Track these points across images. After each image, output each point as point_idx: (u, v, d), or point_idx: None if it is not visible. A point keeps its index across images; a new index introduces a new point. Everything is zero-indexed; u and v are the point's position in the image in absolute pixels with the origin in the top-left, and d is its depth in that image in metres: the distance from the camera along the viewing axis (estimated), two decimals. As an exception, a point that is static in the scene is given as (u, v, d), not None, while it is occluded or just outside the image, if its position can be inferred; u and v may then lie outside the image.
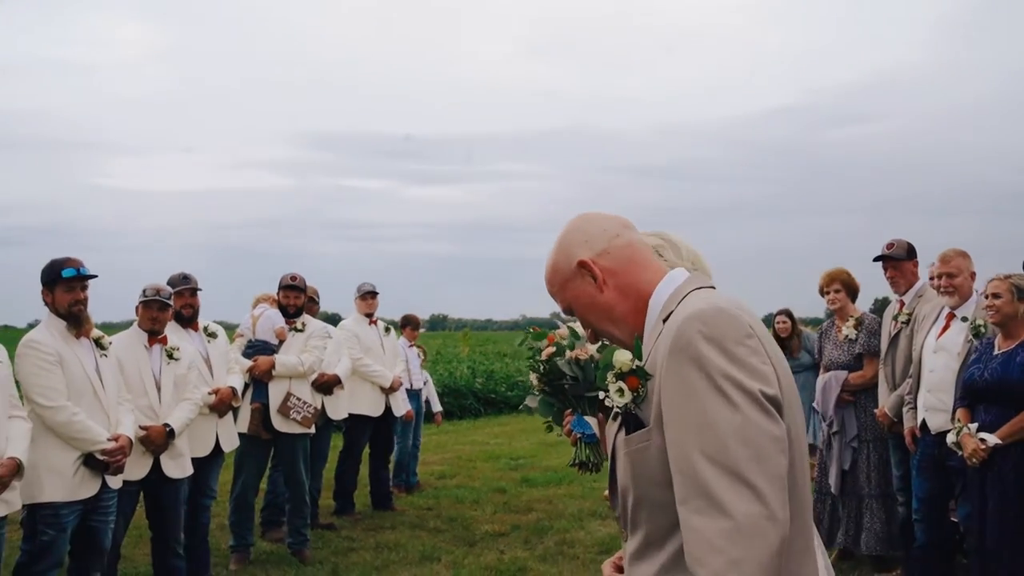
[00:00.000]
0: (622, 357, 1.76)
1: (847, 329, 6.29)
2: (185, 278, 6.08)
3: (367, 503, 8.45)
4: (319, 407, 7.19)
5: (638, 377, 1.73)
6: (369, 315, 8.44)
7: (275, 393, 6.77)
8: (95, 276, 4.85)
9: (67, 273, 4.75)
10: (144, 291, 5.53)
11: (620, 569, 1.96)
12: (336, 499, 8.23)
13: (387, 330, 8.72)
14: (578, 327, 2.35)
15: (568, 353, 2.40)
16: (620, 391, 1.75)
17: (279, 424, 6.74)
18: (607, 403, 1.77)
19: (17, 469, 4.29)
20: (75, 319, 4.79)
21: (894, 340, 5.89)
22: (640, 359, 1.76)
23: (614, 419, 1.83)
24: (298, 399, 6.80)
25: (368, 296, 8.43)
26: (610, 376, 1.76)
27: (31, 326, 5.17)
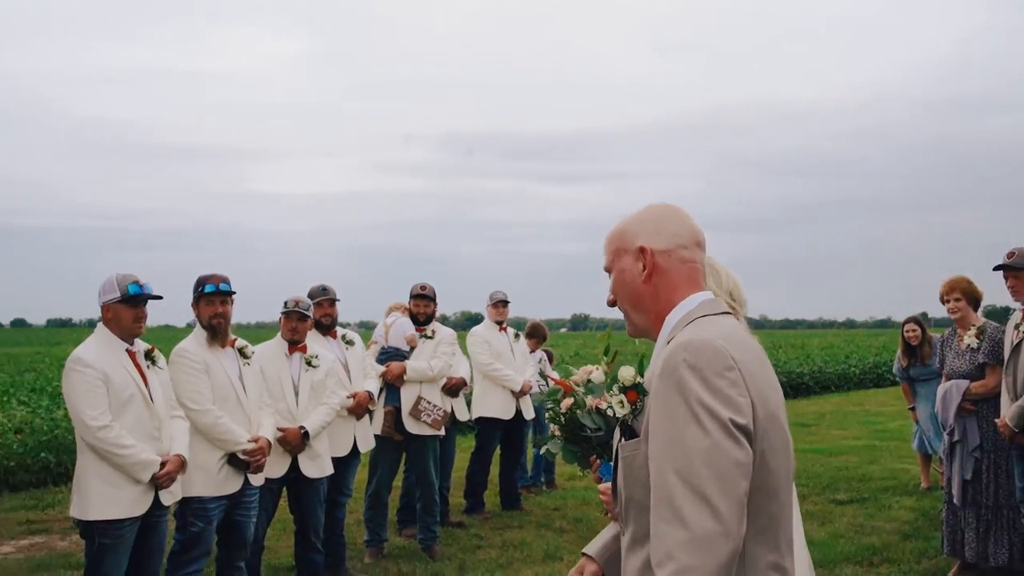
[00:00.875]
0: (626, 373, 1.97)
1: (968, 338, 6.20)
2: (324, 289, 6.52)
3: (496, 503, 8.80)
4: (449, 410, 7.56)
5: (637, 392, 1.95)
6: (500, 322, 8.78)
7: (407, 397, 7.17)
8: (234, 292, 5.31)
9: (208, 289, 5.23)
10: (285, 303, 5.99)
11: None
12: (466, 498, 8.60)
13: (516, 336, 9.03)
14: (593, 376, 2.48)
15: (588, 402, 2.50)
16: (621, 403, 1.97)
17: (411, 426, 7.14)
18: (609, 412, 2.00)
19: (182, 464, 4.79)
20: (215, 331, 5.24)
21: (1016, 349, 5.78)
22: (642, 376, 1.96)
23: (617, 426, 2.04)
24: (428, 402, 7.18)
25: (500, 304, 8.77)
26: (614, 388, 1.97)
27: (190, 326, 5.65)
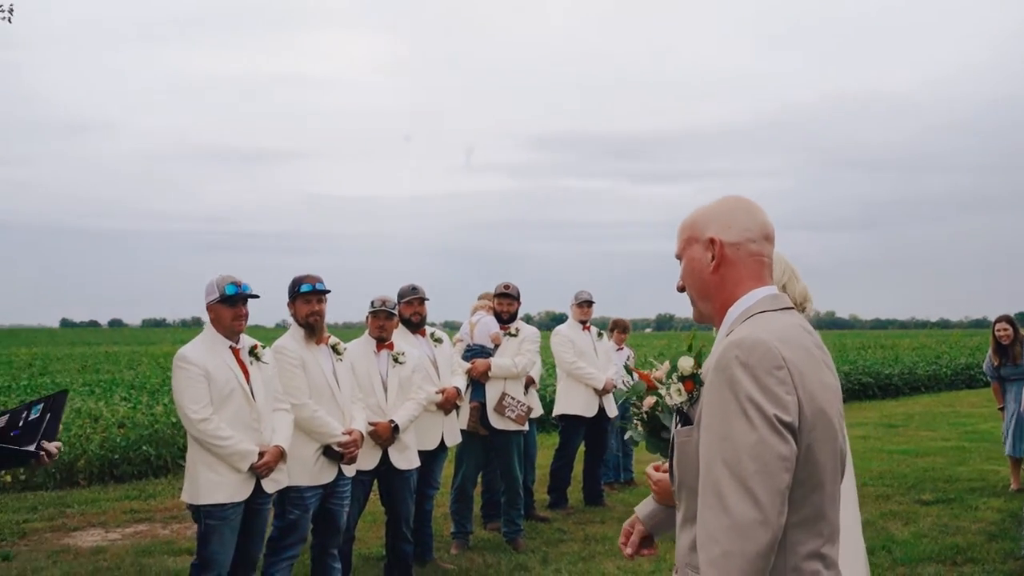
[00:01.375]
0: (684, 363, 2.08)
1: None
2: (414, 289, 6.74)
3: (579, 499, 8.94)
4: (532, 406, 7.73)
5: (694, 382, 2.06)
6: (583, 321, 8.92)
7: (491, 393, 7.36)
8: (328, 291, 5.55)
9: (305, 288, 5.48)
10: (372, 303, 6.22)
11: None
12: (550, 493, 8.78)
13: (599, 335, 9.15)
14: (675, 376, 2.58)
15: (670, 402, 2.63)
16: (678, 391, 2.08)
17: (495, 421, 7.33)
18: (667, 400, 2.11)
19: (281, 455, 5.05)
20: (311, 328, 5.50)
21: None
22: (700, 367, 2.07)
23: (674, 412, 2.16)
24: (512, 398, 7.36)
25: (584, 304, 8.92)
26: (673, 377, 2.09)
27: (279, 327, 5.94)
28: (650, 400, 2.55)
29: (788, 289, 2.79)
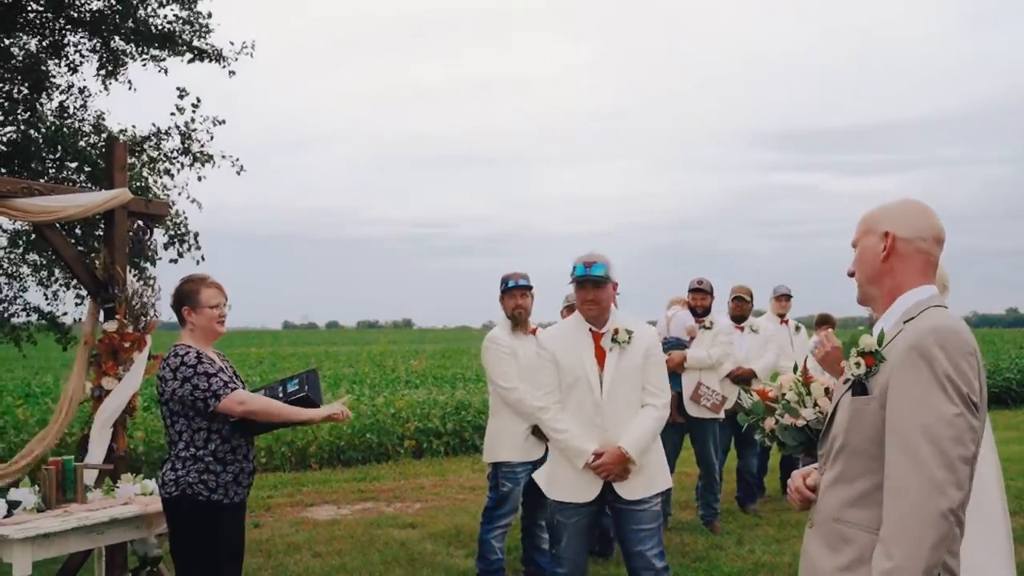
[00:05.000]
0: (866, 340, 2.37)
1: None
2: (699, 282, 7.33)
3: (777, 488, 9.18)
4: (727, 396, 8.05)
5: (875, 358, 2.35)
6: (781, 315, 9.16)
7: (687, 383, 7.74)
8: (531, 287, 6.14)
9: (511, 284, 6.11)
10: (566, 298, 6.78)
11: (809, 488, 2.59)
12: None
13: (797, 329, 9.34)
14: (788, 396, 2.86)
15: (785, 420, 2.83)
16: (858, 364, 2.37)
17: (692, 410, 7.71)
18: (847, 373, 2.40)
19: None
20: (516, 320, 6.10)
21: None
22: (880, 345, 2.37)
23: (844, 382, 2.46)
24: (707, 388, 7.73)
25: (783, 298, 9.16)
26: (853, 351, 2.38)
27: (485, 327, 6.59)
28: (770, 422, 2.88)
29: (938, 276, 3.05)
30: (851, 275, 2.60)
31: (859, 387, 2.38)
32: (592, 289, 4.63)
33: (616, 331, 4.67)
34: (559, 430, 4.65)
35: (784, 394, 2.87)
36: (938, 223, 2.48)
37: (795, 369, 2.85)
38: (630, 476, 4.56)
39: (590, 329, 4.71)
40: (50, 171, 9.26)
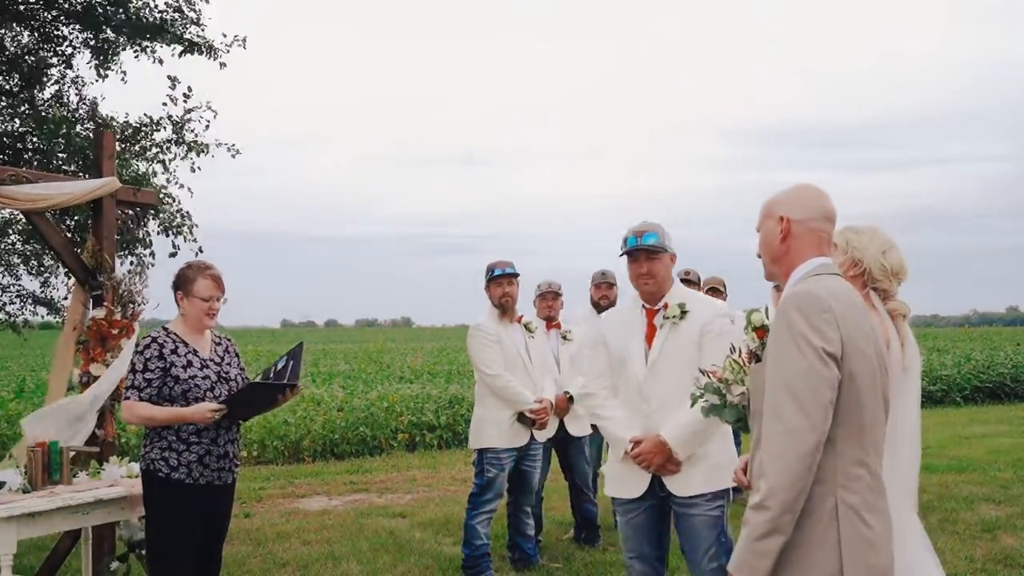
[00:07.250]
0: (756, 316, 2.73)
1: None
2: (603, 273, 7.35)
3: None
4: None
5: (764, 331, 2.70)
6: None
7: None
8: (518, 275, 6.17)
9: (497, 272, 6.15)
10: (538, 286, 6.88)
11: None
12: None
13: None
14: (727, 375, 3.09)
15: (730, 398, 3.08)
16: (752, 338, 2.75)
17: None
18: (747, 346, 2.76)
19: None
20: (503, 308, 6.14)
21: None
22: (768, 320, 2.67)
23: (750, 357, 2.78)
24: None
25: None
26: (747, 328, 2.72)
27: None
28: (711, 399, 3.12)
29: (888, 257, 3.17)
30: (759, 256, 2.86)
31: (756, 357, 2.74)
32: (645, 261, 4.16)
33: (666, 306, 4.16)
34: (603, 416, 4.29)
35: (724, 377, 3.10)
36: (828, 203, 2.76)
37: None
38: (682, 469, 4.05)
39: (643, 306, 4.25)
40: (42, 161, 9.26)
